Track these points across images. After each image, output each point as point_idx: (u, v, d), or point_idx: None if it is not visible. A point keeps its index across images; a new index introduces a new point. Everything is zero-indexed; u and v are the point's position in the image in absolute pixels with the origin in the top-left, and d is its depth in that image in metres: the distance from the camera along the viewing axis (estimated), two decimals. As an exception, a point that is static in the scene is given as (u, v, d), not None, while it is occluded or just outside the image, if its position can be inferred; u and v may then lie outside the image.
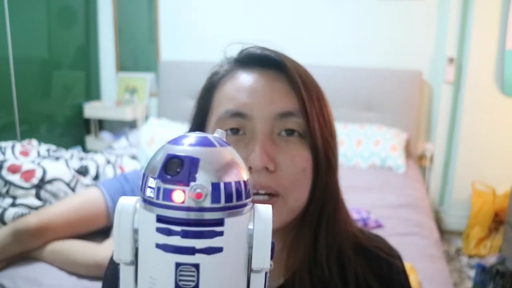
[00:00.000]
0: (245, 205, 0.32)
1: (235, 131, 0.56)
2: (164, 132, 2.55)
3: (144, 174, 0.31)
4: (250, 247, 0.32)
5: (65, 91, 3.12)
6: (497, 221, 2.58)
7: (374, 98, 2.84)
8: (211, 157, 0.31)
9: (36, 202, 1.66)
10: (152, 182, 0.30)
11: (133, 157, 2.39)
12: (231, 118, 0.56)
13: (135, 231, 0.32)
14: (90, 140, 3.23)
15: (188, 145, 0.31)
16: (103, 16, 3.26)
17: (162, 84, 3.12)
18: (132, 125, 3.20)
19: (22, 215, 1.58)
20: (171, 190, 0.29)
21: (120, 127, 3.27)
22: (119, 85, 3.28)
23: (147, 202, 0.31)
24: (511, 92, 2.58)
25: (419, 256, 1.59)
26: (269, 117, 0.55)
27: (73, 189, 1.79)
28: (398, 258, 0.68)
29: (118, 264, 0.33)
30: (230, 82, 0.59)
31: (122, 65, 3.33)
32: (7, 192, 1.65)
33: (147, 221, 0.30)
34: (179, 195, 0.29)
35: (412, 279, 1.35)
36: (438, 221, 2.81)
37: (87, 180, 1.92)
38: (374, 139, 2.62)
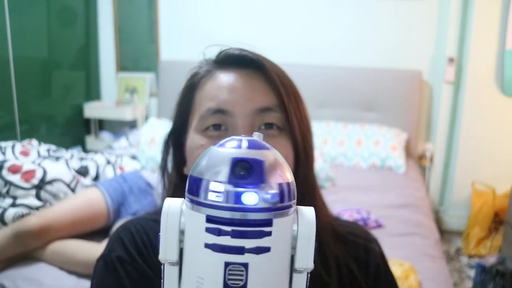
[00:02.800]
0: (290, 206, 0.32)
1: (217, 127, 0.59)
2: (164, 132, 2.54)
3: (197, 179, 0.32)
4: (293, 248, 0.33)
5: (65, 91, 3.12)
6: (497, 221, 2.58)
7: (374, 98, 2.84)
8: (269, 159, 0.32)
9: (36, 203, 1.66)
10: (218, 186, 0.30)
11: (133, 157, 2.39)
12: (213, 115, 0.59)
13: (181, 232, 0.33)
14: (90, 140, 3.23)
15: (247, 148, 0.32)
16: (103, 16, 3.26)
17: (162, 84, 3.12)
18: (132, 125, 3.20)
19: (23, 215, 1.58)
20: (242, 193, 0.30)
21: (120, 127, 3.27)
22: (119, 85, 3.28)
23: (195, 202, 0.31)
24: (511, 92, 2.58)
25: (419, 256, 1.60)
26: (249, 113, 0.58)
27: (73, 190, 1.79)
28: (375, 242, 0.72)
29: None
30: (210, 82, 0.62)
31: (122, 65, 3.33)
32: (8, 192, 1.65)
33: (196, 221, 0.31)
34: (252, 197, 0.30)
35: (412, 279, 1.35)
36: (438, 221, 2.81)
37: (87, 180, 1.92)
38: (374, 139, 2.62)
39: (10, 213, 1.58)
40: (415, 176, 2.54)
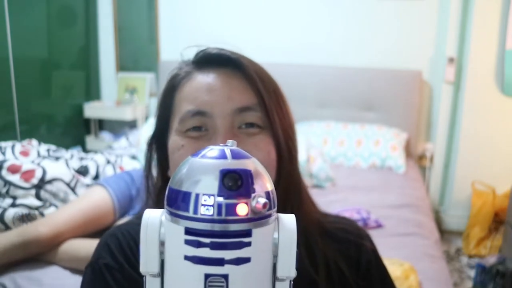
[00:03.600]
0: (270, 215, 0.32)
1: (197, 128, 0.59)
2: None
3: (177, 191, 0.31)
4: (275, 256, 0.33)
5: (65, 91, 3.12)
6: (497, 221, 2.58)
7: (374, 98, 2.84)
8: (254, 169, 0.32)
9: (36, 202, 1.66)
10: (208, 200, 0.30)
11: (133, 157, 2.39)
12: (192, 117, 0.58)
13: (162, 244, 0.33)
14: (90, 140, 3.23)
15: (232, 158, 0.32)
16: (103, 16, 3.26)
17: (162, 84, 3.10)
18: (132, 125, 3.20)
19: (22, 215, 1.58)
20: (235, 205, 0.30)
21: (120, 127, 3.27)
22: (119, 85, 3.28)
23: (173, 215, 0.31)
24: (511, 92, 2.58)
25: (419, 256, 1.60)
26: (228, 113, 0.58)
27: (73, 189, 1.79)
28: (367, 237, 0.71)
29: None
30: (189, 83, 0.61)
31: (122, 65, 3.33)
32: (7, 192, 1.65)
33: (175, 233, 0.31)
34: (243, 208, 0.30)
35: (412, 279, 1.35)
36: (438, 221, 2.81)
37: (87, 180, 1.92)
38: (374, 139, 2.62)
39: (10, 213, 1.58)
40: (415, 176, 2.54)
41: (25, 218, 1.61)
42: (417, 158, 2.92)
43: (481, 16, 2.58)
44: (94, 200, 1.66)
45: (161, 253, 0.33)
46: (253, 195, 0.30)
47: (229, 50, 0.62)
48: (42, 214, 1.65)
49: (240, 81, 0.60)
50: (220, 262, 0.30)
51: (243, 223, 0.30)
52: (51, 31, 2.94)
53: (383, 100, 2.82)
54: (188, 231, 0.30)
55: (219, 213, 0.30)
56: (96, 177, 2.01)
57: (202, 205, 0.30)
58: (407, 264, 1.41)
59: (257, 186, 0.31)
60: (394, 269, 1.32)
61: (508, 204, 2.19)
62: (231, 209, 0.30)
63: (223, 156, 0.32)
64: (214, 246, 0.30)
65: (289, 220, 0.34)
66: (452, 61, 2.70)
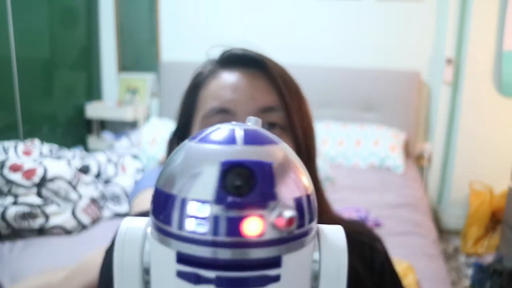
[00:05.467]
0: (309, 231, 0.22)
1: None
2: (165, 132, 2.57)
3: (164, 194, 0.21)
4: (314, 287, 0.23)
5: (67, 91, 3.14)
6: (495, 221, 2.60)
7: (373, 98, 2.86)
8: (278, 159, 0.22)
9: (37, 200, 1.68)
10: (199, 209, 0.20)
11: (135, 157, 2.41)
12: (216, 114, 0.59)
13: (146, 271, 0.23)
14: (91, 140, 3.25)
15: (244, 144, 0.21)
16: (104, 17, 3.27)
17: (163, 85, 3.14)
18: (133, 125, 3.22)
19: (24, 213, 1.60)
20: (241, 219, 0.20)
21: (122, 127, 3.29)
22: (120, 86, 3.30)
23: (161, 231, 0.21)
24: (508, 92, 2.60)
25: (417, 255, 1.61)
26: (251, 112, 0.58)
27: (74, 187, 1.81)
28: (379, 240, 0.72)
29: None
30: (214, 81, 0.62)
31: (123, 66, 3.35)
32: (9, 190, 1.67)
33: (164, 259, 0.21)
34: (255, 226, 0.20)
35: (410, 278, 1.37)
36: (436, 221, 2.83)
37: (88, 178, 1.94)
38: (373, 139, 2.64)
39: (12, 211, 1.60)
40: (414, 176, 2.56)
41: (27, 216, 1.64)
42: (415, 158, 2.94)
43: (479, 17, 2.60)
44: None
45: (146, 283, 0.23)
46: (272, 203, 0.20)
47: (253, 51, 0.63)
48: (43, 212, 1.67)
49: (263, 81, 0.61)
50: None
51: (267, 248, 0.20)
52: (53, 31, 2.95)
53: (382, 100, 2.84)
54: (181, 258, 0.20)
55: (215, 232, 0.20)
56: (98, 175, 2.03)
57: (191, 216, 0.20)
58: (405, 263, 1.42)
59: (281, 188, 0.21)
60: (392, 267, 1.34)
61: (506, 203, 2.21)
62: (234, 225, 0.20)
63: (231, 139, 0.21)
64: (222, 284, 0.20)
65: (335, 234, 0.24)
66: (450, 62, 2.72)
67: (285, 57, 2.95)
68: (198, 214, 0.20)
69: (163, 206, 0.21)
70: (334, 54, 2.96)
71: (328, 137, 2.70)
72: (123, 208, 1.93)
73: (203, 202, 0.20)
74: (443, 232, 2.86)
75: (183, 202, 0.20)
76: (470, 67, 2.67)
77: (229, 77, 0.61)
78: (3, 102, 2.59)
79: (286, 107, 0.60)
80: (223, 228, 0.20)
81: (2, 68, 2.53)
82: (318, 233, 0.23)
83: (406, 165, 2.61)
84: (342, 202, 2.06)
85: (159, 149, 2.41)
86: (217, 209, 0.19)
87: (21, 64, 2.59)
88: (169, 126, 2.69)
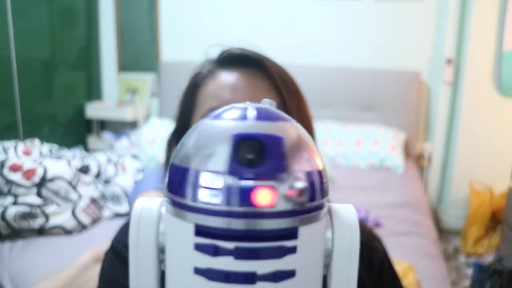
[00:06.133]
0: (322, 206, 0.23)
1: None
2: (165, 132, 2.56)
3: (181, 168, 0.22)
4: (326, 266, 0.24)
5: (67, 91, 3.14)
6: (495, 220, 2.60)
7: (373, 98, 2.86)
8: (290, 135, 0.22)
9: (37, 201, 1.68)
10: (213, 180, 0.21)
11: (135, 157, 2.42)
12: None
13: (161, 250, 0.23)
14: (91, 140, 3.25)
15: (256, 120, 0.22)
16: (104, 17, 3.28)
17: (163, 85, 3.14)
18: (133, 125, 3.22)
19: (24, 213, 1.60)
20: (252, 189, 0.20)
21: (122, 127, 3.29)
22: (120, 86, 3.30)
23: (178, 205, 0.22)
24: (508, 92, 2.60)
25: (417, 255, 1.61)
26: None
27: (74, 187, 1.81)
28: (378, 240, 0.72)
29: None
30: (213, 81, 0.62)
31: (123, 66, 3.35)
32: (9, 191, 1.67)
33: (181, 234, 0.22)
34: (266, 196, 0.20)
35: (410, 278, 1.37)
36: (436, 220, 2.84)
37: (88, 178, 1.94)
38: (373, 139, 2.64)
39: (12, 211, 1.60)
40: (414, 176, 2.56)
41: (27, 216, 1.64)
42: (415, 158, 2.94)
43: (479, 17, 2.60)
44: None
45: (161, 262, 0.24)
46: (283, 175, 0.21)
47: (252, 51, 0.63)
48: (43, 212, 1.67)
49: (262, 81, 0.61)
50: (250, 278, 0.20)
51: (285, 219, 0.21)
52: (53, 32, 2.96)
53: (382, 100, 2.85)
54: (200, 231, 0.21)
55: (229, 202, 0.20)
56: (98, 175, 2.03)
57: (205, 187, 0.21)
58: (405, 263, 1.43)
59: (292, 162, 0.21)
60: (392, 267, 1.34)
61: (506, 203, 2.21)
62: (246, 196, 0.20)
63: (243, 116, 0.22)
64: (240, 255, 0.20)
65: (347, 212, 0.25)
66: (450, 62, 2.72)
67: (285, 57, 2.95)
68: (211, 185, 0.21)
69: (179, 180, 0.22)
70: (334, 54, 2.96)
71: (328, 137, 2.70)
72: (123, 208, 1.93)
73: (217, 173, 0.21)
74: (443, 232, 2.86)
75: (197, 174, 0.21)
76: (470, 67, 2.67)
77: (228, 77, 0.61)
78: (3, 102, 2.59)
79: (285, 107, 0.60)
80: (236, 199, 0.20)
81: (2, 68, 2.53)
82: (330, 211, 0.24)
83: (406, 165, 2.62)
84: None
85: (159, 149, 2.41)
86: (230, 180, 0.20)
87: (21, 64, 2.59)
88: (169, 126, 2.69)
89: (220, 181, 0.21)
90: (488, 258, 2.14)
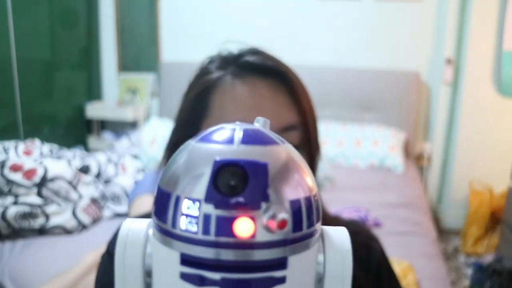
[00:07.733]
0: (313, 233, 0.22)
1: None
2: (165, 132, 2.57)
3: (165, 193, 0.21)
4: None
5: (67, 92, 3.15)
6: (494, 220, 2.60)
7: (373, 98, 2.86)
8: (277, 159, 0.21)
9: (37, 200, 1.68)
10: (192, 207, 0.20)
11: (135, 157, 2.42)
12: None
13: (147, 273, 0.23)
14: (92, 140, 3.26)
15: (241, 143, 0.21)
16: (104, 17, 3.28)
17: (163, 85, 3.14)
18: (133, 125, 3.23)
19: (24, 213, 1.60)
20: (232, 219, 0.19)
21: (122, 127, 3.30)
22: (121, 86, 3.30)
23: (163, 232, 0.21)
24: (508, 92, 2.61)
25: (417, 255, 1.62)
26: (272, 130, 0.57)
27: (74, 187, 1.81)
28: (375, 240, 0.71)
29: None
30: (230, 95, 0.56)
31: (124, 66, 3.35)
32: (9, 190, 1.67)
33: (167, 261, 0.21)
34: (246, 226, 0.19)
35: (410, 277, 1.37)
36: (436, 220, 2.84)
37: (88, 178, 1.94)
38: (373, 139, 2.64)
39: (12, 211, 1.61)
40: (413, 176, 2.57)
41: (27, 216, 1.64)
42: (415, 158, 2.94)
43: (479, 17, 2.60)
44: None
45: (148, 285, 0.23)
46: (264, 204, 0.20)
47: (270, 58, 0.58)
48: (44, 212, 1.67)
49: (284, 96, 0.56)
50: None
51: (270, 249, 0.20)
52: (54, 32, 2.96)
53: (382, 100, 2.85)
54: (185, 260, 0.20)
55: (206, 231, 0.20)
56: (98, 175, 2.03)
57: (184, 214, 0.20)
58: (405, 263, 1.43)
59: (276, 190, 0.20)
60: (392, 267, 1.34)
61: (505, 203, 2.22)
62: (224, 225, 0.19)
63: (229, 139, 0.21)
64: (227, 286, 0.20)
65: (339, 235, 0.24)
66: (450, 62, 2.73)
67: (285, 57, 2.97)
68: (189, 212, 0.20)
69: (164, 205, 0.21)
70: (334, 54, 2.97)
71: (328, 137, 2.71)
72: (123, 208, 1.93)
73: (194, 200, 0.20)
74: (442, 232, 2.86)
75: (178, 200, 0.20)
76: (469, 67, 2.67)
77: (248, 92, 0.55)
78: (3, 102, 2.60)
79: (307, 126, 0.56)
80: (213, 228, 0.20)
81: (3, 68, 2.53)
82: (322, 235, 0.24)
83: (406, 165, 2.62)
84: (342, 202, 2.06)
85: (159, 149, 2.41)
86: (206, 208, 0.20)
87: (22, 64, 2.59)
88: (169, 126, 2.69)
89: (196, 209, 0.20)
90: (488, 258, 2.14)
